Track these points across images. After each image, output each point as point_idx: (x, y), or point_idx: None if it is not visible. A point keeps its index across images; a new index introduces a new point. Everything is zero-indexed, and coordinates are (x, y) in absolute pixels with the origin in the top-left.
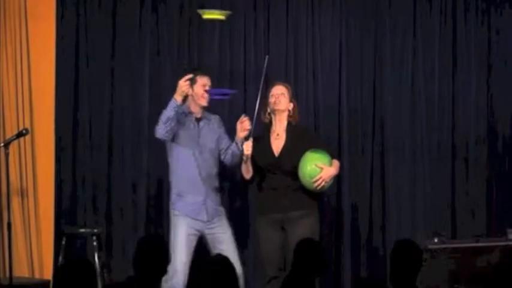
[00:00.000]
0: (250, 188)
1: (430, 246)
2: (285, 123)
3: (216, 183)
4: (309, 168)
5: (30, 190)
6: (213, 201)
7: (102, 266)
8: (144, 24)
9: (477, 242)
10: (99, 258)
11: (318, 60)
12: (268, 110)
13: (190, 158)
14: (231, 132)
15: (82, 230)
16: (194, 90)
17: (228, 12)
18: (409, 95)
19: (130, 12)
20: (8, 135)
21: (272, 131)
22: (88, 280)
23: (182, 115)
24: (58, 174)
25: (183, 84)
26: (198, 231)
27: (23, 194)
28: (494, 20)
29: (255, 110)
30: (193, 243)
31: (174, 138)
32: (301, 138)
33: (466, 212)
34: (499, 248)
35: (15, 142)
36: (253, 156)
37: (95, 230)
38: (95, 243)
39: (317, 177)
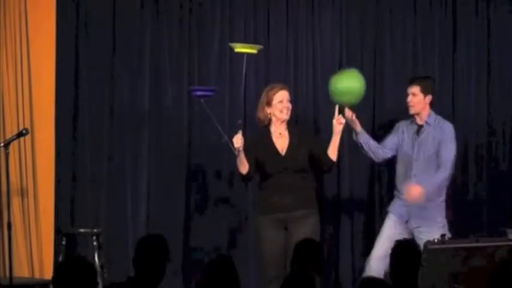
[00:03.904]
0: (249, 187)
1: (430, 246)
2: (285, 122)
3: None
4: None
5: (30, 190)
6: None
7: (102, 266)
8: (144, 24)
9: (477, 242)
10: (99, 258)
11: (318, 59)
12: (276, 116)
13: None
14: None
15: (82, 230)
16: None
17: (259, 46)
18: None
19: (130, 11)
20: (8, 135)
21: (272, 131)
22: (88, 279)
23: None
24: (58, 174)
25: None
26: None
27: (23, 194)
28: (494, 18)
29: (243, 104)
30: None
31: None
32: (304, 137)
33: (466, 212)
34: (499, 248)
35: (15, 142)
36: (257, 159)
37: (95, 230)
38: (95, 243)
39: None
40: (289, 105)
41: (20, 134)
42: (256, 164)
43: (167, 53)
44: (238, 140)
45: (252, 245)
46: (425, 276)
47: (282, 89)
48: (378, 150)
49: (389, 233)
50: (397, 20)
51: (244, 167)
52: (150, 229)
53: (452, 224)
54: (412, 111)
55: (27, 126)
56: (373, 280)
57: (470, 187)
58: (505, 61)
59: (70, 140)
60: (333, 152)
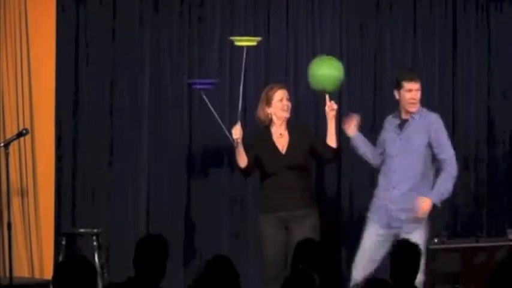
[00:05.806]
0: (250, 185)
1: (430, 246)
2: (285, 122)
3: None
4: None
5: (30, 190)
6: None
7: (102, 266)
8: (144, 24)
9: (477, 242)
10: (99, 258)
11: None
12: (277, 115)
13: None
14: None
15: (82, 230)
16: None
17: (258, 38)
18: None
19: (130, 11)
20: (8, 135)
21: (273, 132)
22: (88, 279)
23: None
24: (58, 174)
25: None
26: None
27: (23, 194)
28: (494, 18)
29: (239, 97)
30: None
31: None
32: (304, 134)
33: (466, 212)
34: (499, 248)
35: (15, 142)
36: (258, 158)
37: (95, 230)
38: (95, 243)
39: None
40: (289, 104)
41: (20, 134)
42: (257, 163)
43: (167, 50)
44: (236, 131)
45: (252, 244)
46: (426, 276)
47: (280, 88)
48: (372, 155)
49: (372, 239)
50: (397, 20)
51: (243, 160)
52: (150, 229)
53: (453, 224)
54: (414, 108)
55: (27, 126)
56: (376, 280)
57: (471, 187)
58: (505, 61)
59: (70, 140)
60: (331, 140)
